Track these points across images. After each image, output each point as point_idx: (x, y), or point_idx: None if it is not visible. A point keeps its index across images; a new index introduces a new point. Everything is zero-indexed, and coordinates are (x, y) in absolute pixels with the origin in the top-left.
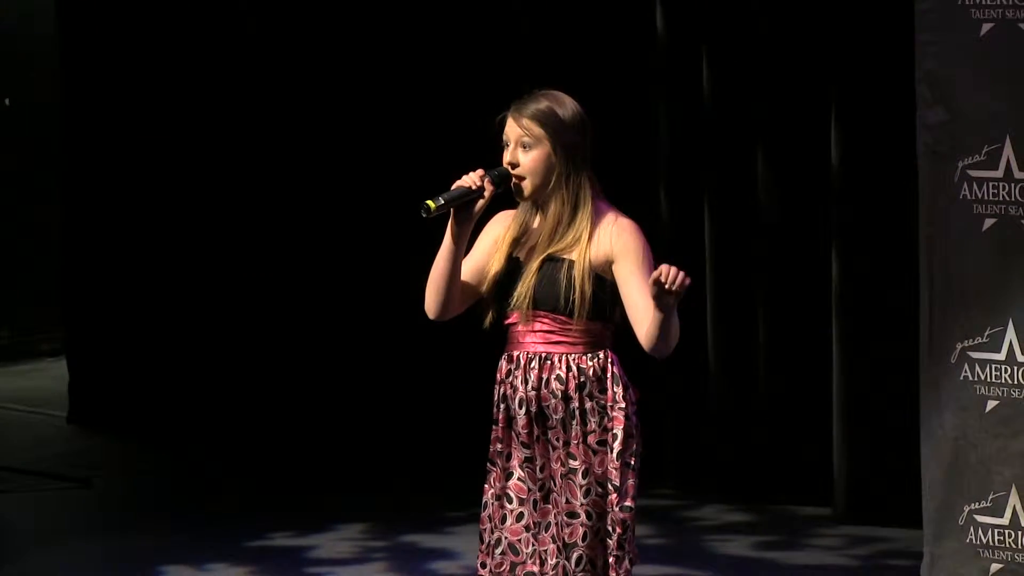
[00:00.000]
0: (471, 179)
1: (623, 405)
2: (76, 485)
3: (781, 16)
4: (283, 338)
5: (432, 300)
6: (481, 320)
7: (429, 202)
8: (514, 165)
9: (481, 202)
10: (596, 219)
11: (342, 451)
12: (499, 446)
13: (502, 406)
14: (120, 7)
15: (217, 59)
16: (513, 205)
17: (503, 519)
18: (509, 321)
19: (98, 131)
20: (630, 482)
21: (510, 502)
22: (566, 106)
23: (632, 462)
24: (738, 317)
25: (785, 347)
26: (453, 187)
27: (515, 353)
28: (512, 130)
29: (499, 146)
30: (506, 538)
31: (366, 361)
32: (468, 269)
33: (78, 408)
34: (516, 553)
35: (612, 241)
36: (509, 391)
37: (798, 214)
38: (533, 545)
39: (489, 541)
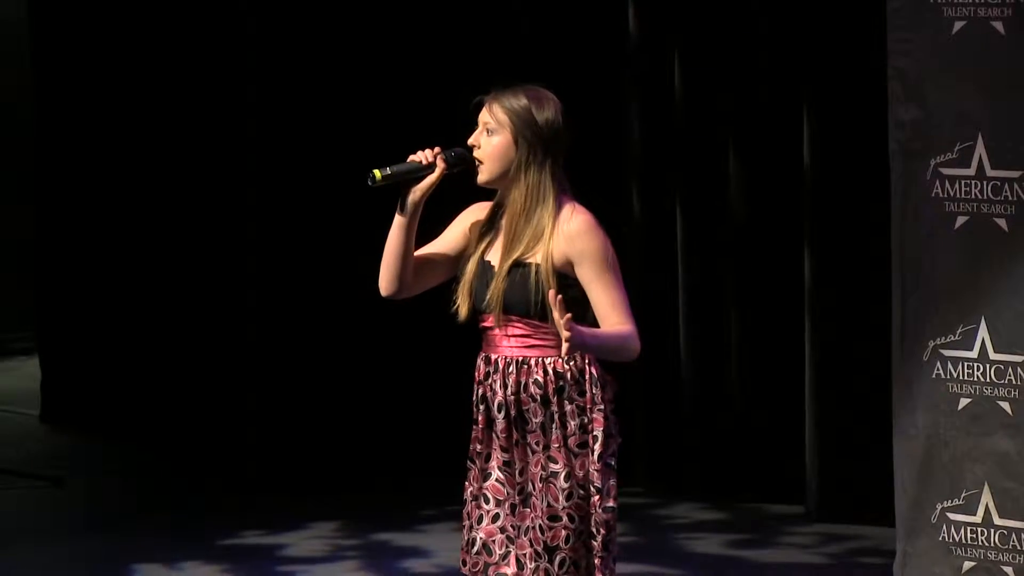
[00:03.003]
0: (423, 155)
1: (602, 406)
2: (48, 484)
3: (753, 15)
4: (256, 337)
5: (383, 276)
6: (456, 319)
7: (376, 171)
8: (473, 147)
9: (431, 178)
10: (557, 216)
11: (314, 449)
12: (479, 446)
13: (481, 407)
14: (91, 5)
15: (192, 57)
16: (490, 197)
17: (479, 519)
18: (484, 324)
19: (70, 130)
20: (611, 482)
21: (487, 502)
22: (544, 105)
23: (613, 462)
24: (710, 316)
25: (757, 346)
26: (407, 161)
27: (492, 356)
28: (483, 115)
29: (472, 128)
30: (481, 538)
31: (339, 360)
32: (431, 253)
33: (50, 407)
34: (490, 553)
35: (568, 244)
36: (489, 393)
37: (770, 213)
38: (507, 546)
39: (468, 539)
